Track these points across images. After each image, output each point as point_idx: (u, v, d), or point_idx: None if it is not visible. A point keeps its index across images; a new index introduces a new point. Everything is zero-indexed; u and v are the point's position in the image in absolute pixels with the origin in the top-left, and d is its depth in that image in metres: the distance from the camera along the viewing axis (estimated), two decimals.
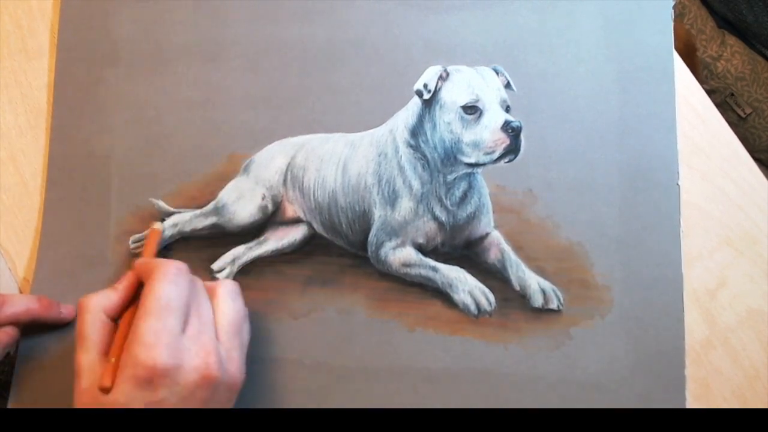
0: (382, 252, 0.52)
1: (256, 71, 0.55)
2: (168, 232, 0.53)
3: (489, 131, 0.49)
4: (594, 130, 0.53)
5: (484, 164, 0.50)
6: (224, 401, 0.42)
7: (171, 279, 0.42)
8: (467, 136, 0.50)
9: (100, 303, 0.44)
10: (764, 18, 0.97)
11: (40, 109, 0.57)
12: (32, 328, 0.51)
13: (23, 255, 0.55)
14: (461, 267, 0.52)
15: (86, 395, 0.40)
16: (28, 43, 0.58)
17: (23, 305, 0.48)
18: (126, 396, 0.39)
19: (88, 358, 0.41)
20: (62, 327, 0.52)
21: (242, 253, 0.53)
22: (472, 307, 0.51)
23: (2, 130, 0.56)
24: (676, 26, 0.54)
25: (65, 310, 0.51)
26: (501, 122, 0.49)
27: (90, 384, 0.40)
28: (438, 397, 0.50)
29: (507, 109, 0.51)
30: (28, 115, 0.57)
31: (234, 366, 0.43)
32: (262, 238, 0.54)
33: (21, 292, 0.53)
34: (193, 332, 0.41)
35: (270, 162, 0.55)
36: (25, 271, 0.54)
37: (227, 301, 0.45)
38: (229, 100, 0.55)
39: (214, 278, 0.52)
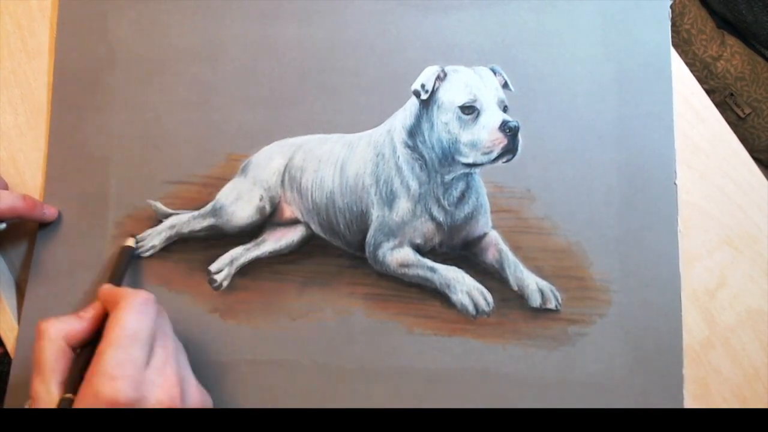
0: (380, 252, 0.52)
1: (253, 72, 0.55)
2: (165, 234, 0.53)
3: (486, 131, 0.49)
4: (592, 130, 0.53)
5: (481, 164, 0.50)
6: None
7: (138, 309, 0.41)
8: (465, 136, 0.50)
9: (61, 330, 0.42)
10: (764, 18, 0.96)
11: (40, 109, 0.57)
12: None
13: (22, 255, 0.55)
14: (459, 267, 0.51)
15: None
16: (28, 43, 0.58)
17: (9, 202, 0.49)
18: None
19: (45, 387, 0.40)
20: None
21: (240, 254, 0.53)
22: (470, 308, 0.51)
23: (2, 130, 0.56)
24: None
25: (48, 211, 0.52)
26: (498, 122, 0.49)
27: None
28: (437, 398, 0.50)
29: (504, 109, 0.51)
30: (27, 116, 0.57)
31: (193, 390, 0.42)
32: (259, 239, 0.54)
33: (21, 292, 0.53)
34: (158, 364, 0.40)
35: (268, 163, 0.55)
36: (24, 270, 0.54)
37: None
38: (227, 101, 0.55)
39: (212, 280, 0.52)
